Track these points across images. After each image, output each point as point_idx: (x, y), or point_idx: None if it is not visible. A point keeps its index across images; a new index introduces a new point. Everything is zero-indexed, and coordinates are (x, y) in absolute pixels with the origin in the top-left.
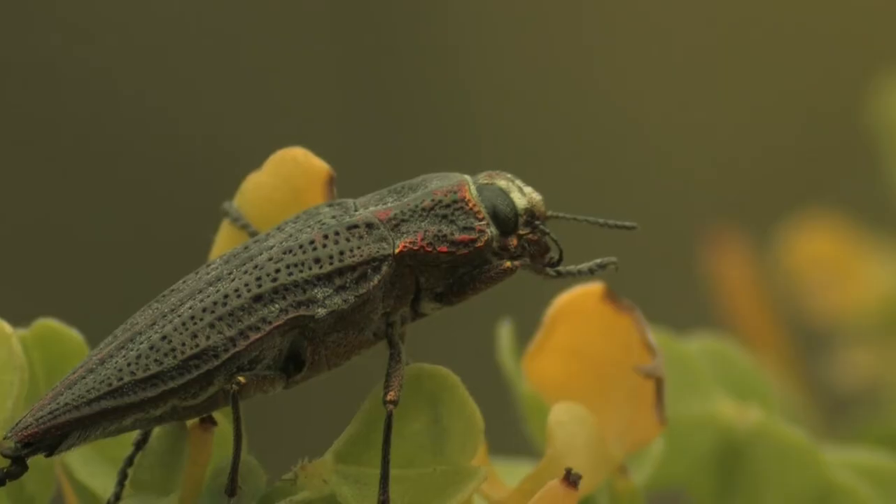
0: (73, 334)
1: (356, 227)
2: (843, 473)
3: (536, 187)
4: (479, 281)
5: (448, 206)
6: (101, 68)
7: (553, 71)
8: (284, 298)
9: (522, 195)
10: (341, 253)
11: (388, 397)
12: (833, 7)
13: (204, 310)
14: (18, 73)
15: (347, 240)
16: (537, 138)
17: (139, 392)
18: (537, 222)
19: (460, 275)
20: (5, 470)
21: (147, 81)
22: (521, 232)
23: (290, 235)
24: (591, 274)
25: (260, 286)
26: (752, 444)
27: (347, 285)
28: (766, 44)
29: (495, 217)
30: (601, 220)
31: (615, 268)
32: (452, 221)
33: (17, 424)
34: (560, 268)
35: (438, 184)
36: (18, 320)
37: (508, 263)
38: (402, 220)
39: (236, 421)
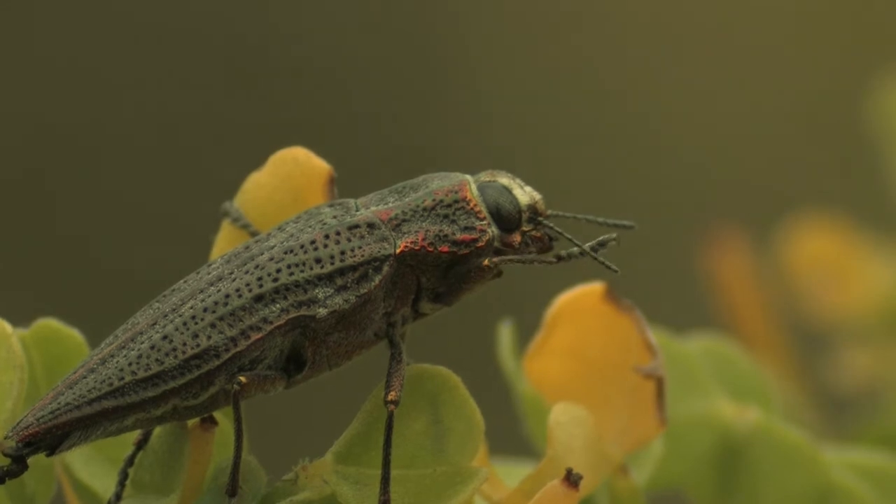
0: (74, 334)
1: (357, 226)
2: (843, 473)
3: (537, 187)
4: (464, 281)
5: (449, 205)
6: (103, 69)
7: (555, 72)
8: (285, 298)
9: (524, 192)
10: (342, 253)
11: (389, 397)
12: (834, 7)
13: (205, 309)
14: (17, 73)
15: (349, 240)
16: (539, 138)
17: (140, 392)
18: (540, 218)
19: (462, 275)
20: (5, 469)
21: (146, 81)
22: (524, 228)
23: (292, 235)
24: (591, 252)
25: (261, 286)
26: (752, 444)
27: (349, 285)
28: (767, 44)
29: (499, 214)
30: (600, 219)
31: (616, 243)
32: (454, 221)
33: (17, 424)
34: (561, 252)
35: (439, 183)
36: (19, 320)
37: (486, 261)
38: (404, 220)
39: (237, 421)
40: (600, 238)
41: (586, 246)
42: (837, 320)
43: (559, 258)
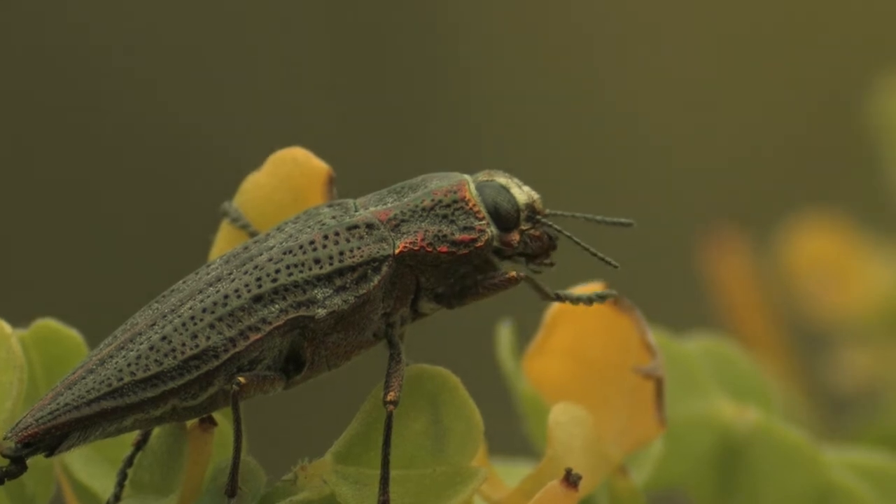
0: (73, 334)
1: (356, 227)
2: (843, 473)
3: (537, 187)
4: (482, 287)
5: (448, 205)
6: (103, 70)
7: (553, 71)
8: (284, 299)
9: (521, 191)
10: (341, 253)
11: (388, 398)
12: (833, 9)
13: (204, 310)
14: (20, 73)
15: (347, 240)
16: (538, 137)
17: (139, 392)
18: (538, 217)
19: (461, 276)
20: (4, 469)
21: (148, 84)
22: (522, 227)
23: (290, 236)
24: (589, 303)
25: (260, 287)
26: (752, 444)
27: (347, 286)
28: (767, 45)
29: (497, 213)
30: (598, 217)
31: (614, 300)
32: (452, 221)
33: (16, 424)
34: (560, 291)
35: (438, 184)
36: (18, 320)
37: (513, 273)
38: (403, 221)
39: (236, 421)
40: (601, 291)
41: (584, 296)
42: (837, 320)
43: (558, 297)
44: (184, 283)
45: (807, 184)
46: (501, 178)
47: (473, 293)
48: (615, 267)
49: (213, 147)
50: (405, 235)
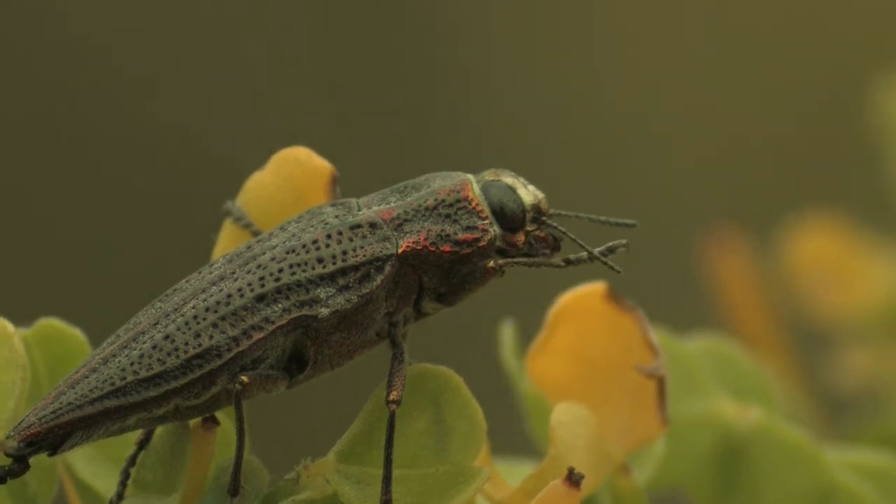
0: (76, 333)
1: (359, 226)
2: (844, 473)
3: (538, 186)
4: (467, 282)
5: (451, 205)
6: (103, 71)
7: (553, 71)
8: (287, 298)
9: (527, 191)
10: (344, 253)
11: (391, 397)
12: (833, 9)
13: (207, 309)
14: (25, 71)
15: (350, 239)
16: (538, 137)
17: (142, 391)
18: (543, 218)
19: (464, 276)
20: (7, 468)
21: (150, 82)
22: (528, 228)
23: (293, 235)
24: (603, 256)
25: (263, 286)
26: (753, 444)
27: (350, 285)
28: (767, 45)
29: (502, 213)
30: (602, 218)
31: (625, 249)
32: (455, 221)
33: (19, 424)
34: (571, 256)
35: (441, 183)
36: (20, 319)
37: (491, 263)
38: (406, 220)
39: (239, 421)
40: (610, 243)
41: (595, 250)
42: (838, 320)
43: (567, 262)
44: (187, 282)
45: (807, 184)
46: (508, 178)
47: (463, 289)
48: (618, 272)
49: (215, 147)
50: (408, 235)
